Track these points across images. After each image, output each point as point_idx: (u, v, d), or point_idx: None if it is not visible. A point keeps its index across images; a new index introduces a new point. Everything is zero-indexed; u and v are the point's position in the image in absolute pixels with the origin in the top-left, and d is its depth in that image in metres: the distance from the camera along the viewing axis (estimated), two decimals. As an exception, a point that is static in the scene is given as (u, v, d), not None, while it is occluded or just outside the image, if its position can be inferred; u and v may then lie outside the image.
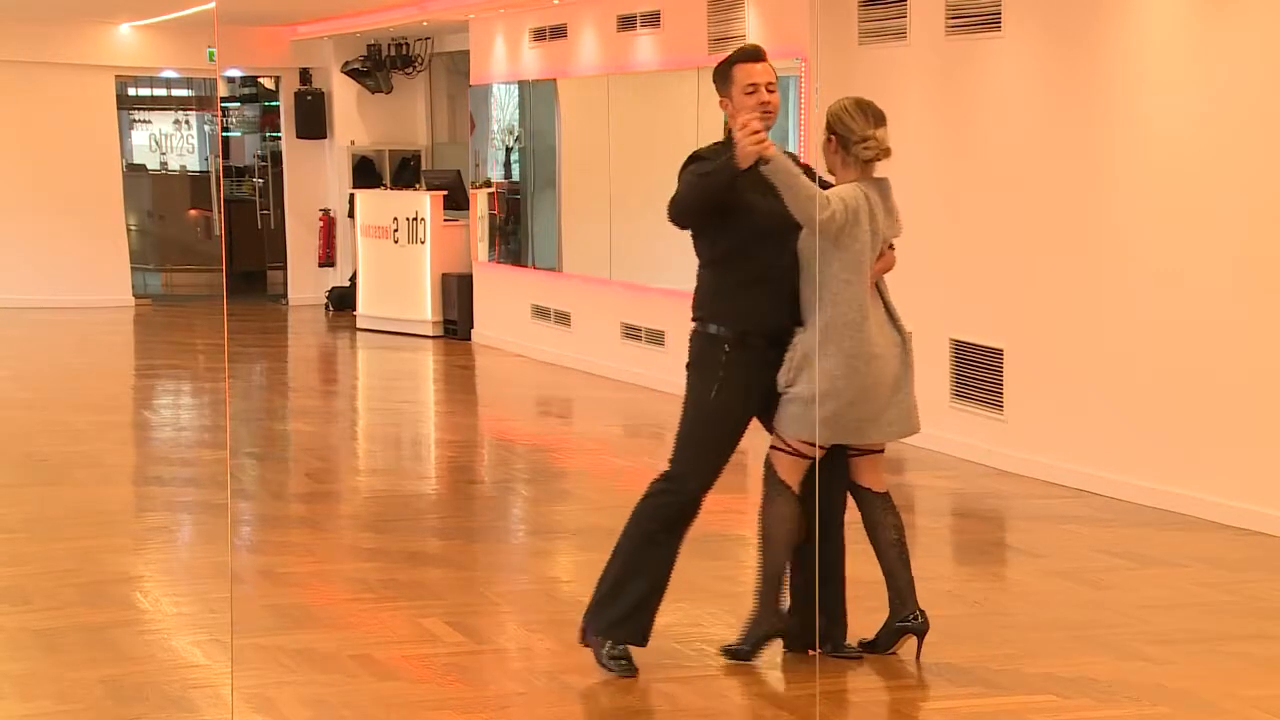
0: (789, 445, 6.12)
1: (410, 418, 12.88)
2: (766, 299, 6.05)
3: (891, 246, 6.18)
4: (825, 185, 6.13)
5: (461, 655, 6.31)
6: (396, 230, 17.07)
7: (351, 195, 18.67)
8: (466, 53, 17.14)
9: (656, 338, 13.22)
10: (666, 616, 6.52)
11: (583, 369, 14.07)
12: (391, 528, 8.62)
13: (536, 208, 15.76)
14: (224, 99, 22.64)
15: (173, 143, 23.52)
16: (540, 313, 15.15)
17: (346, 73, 19.40)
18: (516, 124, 16.29)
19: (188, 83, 22.58)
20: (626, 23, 13.74)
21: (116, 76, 19.96)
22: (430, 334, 16.68)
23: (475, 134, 17.49)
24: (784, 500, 6.15)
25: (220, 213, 22.06)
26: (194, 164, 23.43)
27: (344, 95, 19.61)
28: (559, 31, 14.88)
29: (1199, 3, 8.66)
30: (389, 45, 19.31)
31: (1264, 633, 6.65)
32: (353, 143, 19.65)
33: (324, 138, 19.86)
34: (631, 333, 13.57)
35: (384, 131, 19.77)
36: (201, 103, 23.12)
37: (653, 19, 13.37)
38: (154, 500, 9.45)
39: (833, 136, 6.17)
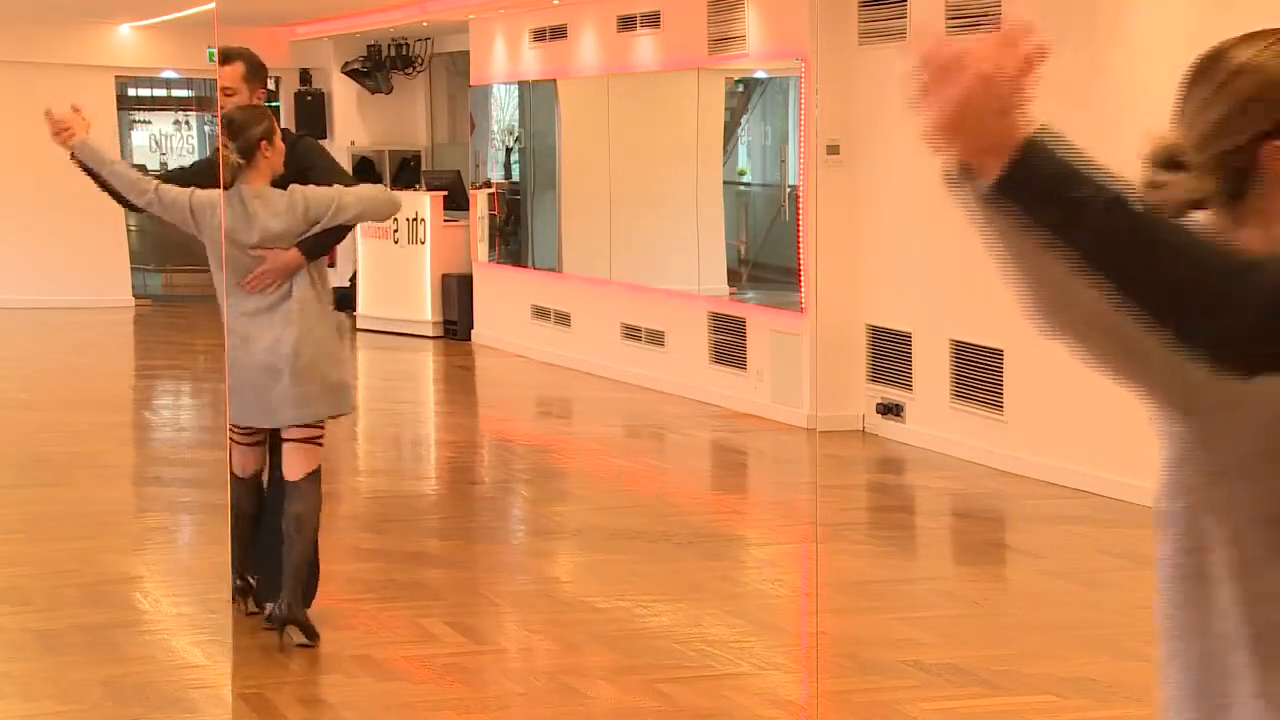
0: None
1: (410, 418, 12.88)
2: None
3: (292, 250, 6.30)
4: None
5: (461, 656, 6.31)
6: (396, 231, 17.06)
7: (351, 196, 18.66)
8: (466, 53, 17.13)
9: (656, 338, 13.22)
10: (666, 617, 6.53)
11: (583, 369, 14.08)
12: (391, 528, 8.62)
13: (536, 208, 15.76)
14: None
15: (173, 143, 23.49)
16: (540, 313, 15.15)
17: (346, 73, 19.39)
18: (516, 124, 16.28)
19: (188, 83, 22.56)
20: (626, 23, 13.73)
21: (116, 76, 19.94)
22: (430, 334, 16.67)
23: (475, 134, 17.47)
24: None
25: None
26: (194, 164, 23.44)
27: (344, 96, 19.60)
28: (559, 32, 14.88)
29: (1199, 3, 8.66)
30: (389, 45, 19.30)
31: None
32: (353, 143, 19.64)
33: (324, 138, 19.83)
34: (631, 333, 13.57)
35: (384, 132, 19.76)
36: (201, 103, 23.09)
37: (653, 19, 13.37)
38: (154, 500, 9.45)
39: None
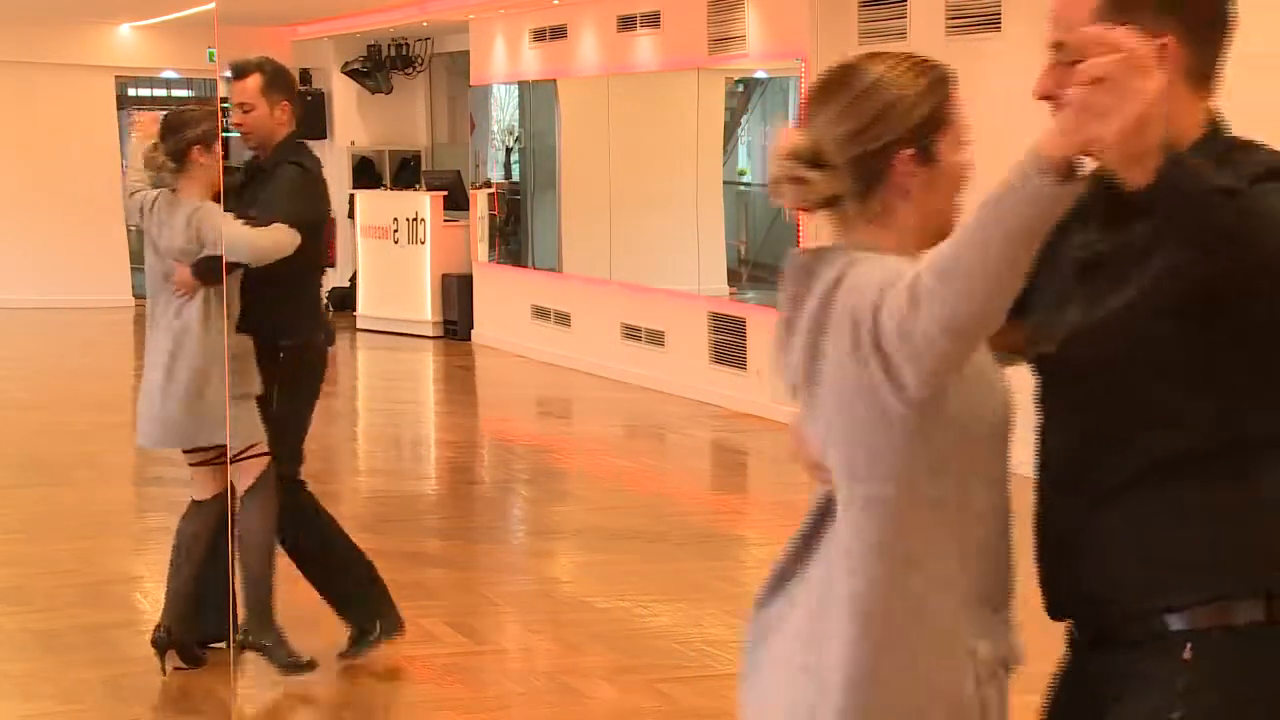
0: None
1: (410, 418, 12.88)
2: None
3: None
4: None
5: (462, 656, 6.31)
6: (396, 231, 17.07)
7: (351, 196, 18.66)
8: (466, 53, 17.14)
9: (656, 338, 13.22)
10: (666, 617, 6.52)
11: (583, 369, 14.08)
12: (391, 528, 8.61)
13: (536, 208, 15.77)
14: (223, 99, 22.64)
15: (173, 143, 23.51)
16: (540, 313, 15.16)
17: (346, 73, 19.39)
18: (516, 124, 16.29)
19: (188, 83, 22.56)
20: (626, 23, 13.74)
21: (116, 76, 19.95)
22: (430, 334, 16.68)
23: (475, 134, 17.48)
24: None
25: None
26: (194, 164, 23.42)
27: (344, 95, 19.60)
28: (559, 31, 14.88)
29: (1199, 3, 8.66)
30: (389, 45, 19.31)
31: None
32: (353, 143, 19.65)
33: (324, 138, 19.85)
34: (631, 333, 13.57)
35: (384, 132, 19.76)
36: (201, 103, 23.13)
37: (653, 19, 13.37)
38: (154, 501, 9.44)
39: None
